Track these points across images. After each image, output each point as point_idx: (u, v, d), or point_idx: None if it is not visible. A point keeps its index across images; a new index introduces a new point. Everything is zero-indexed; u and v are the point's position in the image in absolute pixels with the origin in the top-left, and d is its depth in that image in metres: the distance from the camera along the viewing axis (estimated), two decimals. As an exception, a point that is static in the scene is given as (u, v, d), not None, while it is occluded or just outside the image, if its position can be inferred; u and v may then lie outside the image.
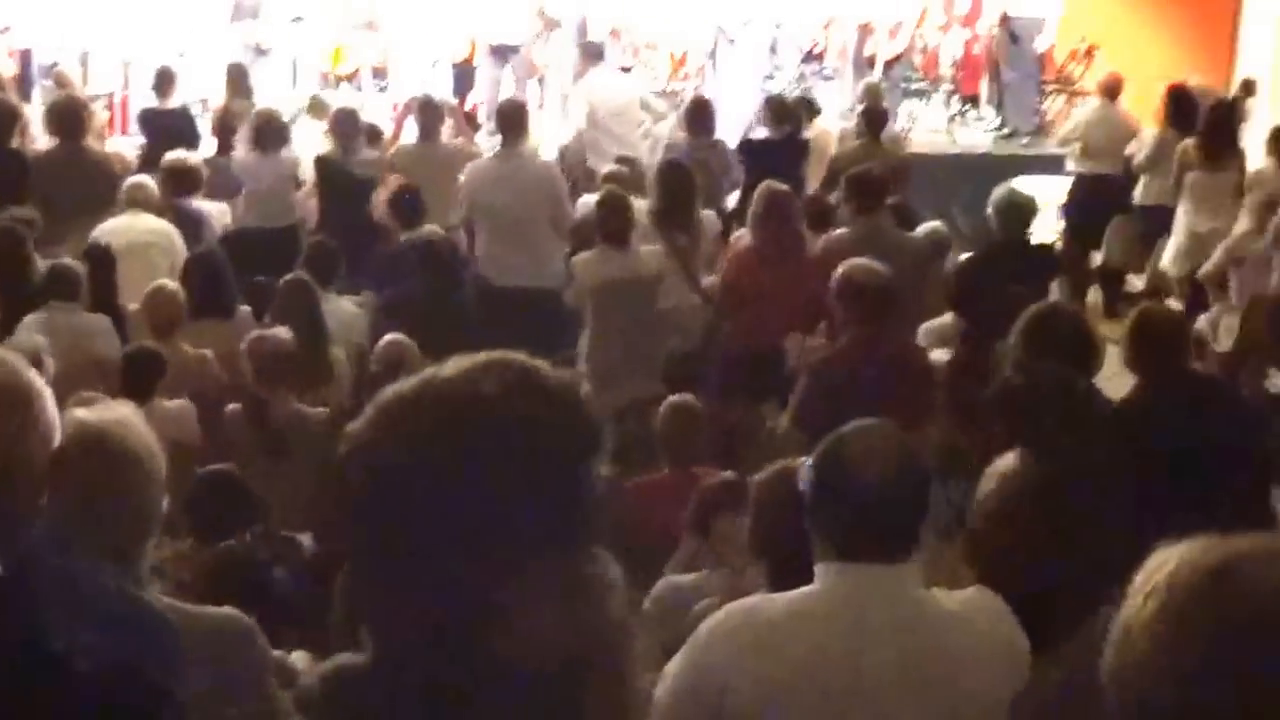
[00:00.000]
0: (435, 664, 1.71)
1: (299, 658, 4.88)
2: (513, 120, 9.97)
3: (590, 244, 8.94)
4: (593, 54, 13.65)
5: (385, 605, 1.76)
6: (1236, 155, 11.59)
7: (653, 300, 8.63)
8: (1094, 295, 13.02)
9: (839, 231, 9.14)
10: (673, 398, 6.89)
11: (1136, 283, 12.49)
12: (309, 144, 11.81)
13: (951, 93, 17.91)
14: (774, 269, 8.44)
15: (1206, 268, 10.19)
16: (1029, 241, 9.08)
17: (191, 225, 9.95)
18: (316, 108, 13.46)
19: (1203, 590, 1.75)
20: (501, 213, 9.60)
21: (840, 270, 7.05)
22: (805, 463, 3.30)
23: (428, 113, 11.69)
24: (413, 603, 1.71)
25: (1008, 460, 3.45)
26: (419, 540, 1.69)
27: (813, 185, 11.69)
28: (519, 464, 1.69)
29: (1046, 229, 13.36)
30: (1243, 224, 10.12)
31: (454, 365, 1.78)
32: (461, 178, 10.11)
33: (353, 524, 1.76)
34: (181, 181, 10.35)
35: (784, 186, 8.86)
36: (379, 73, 16.67)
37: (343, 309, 8.78)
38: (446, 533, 1.67)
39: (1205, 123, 11.54)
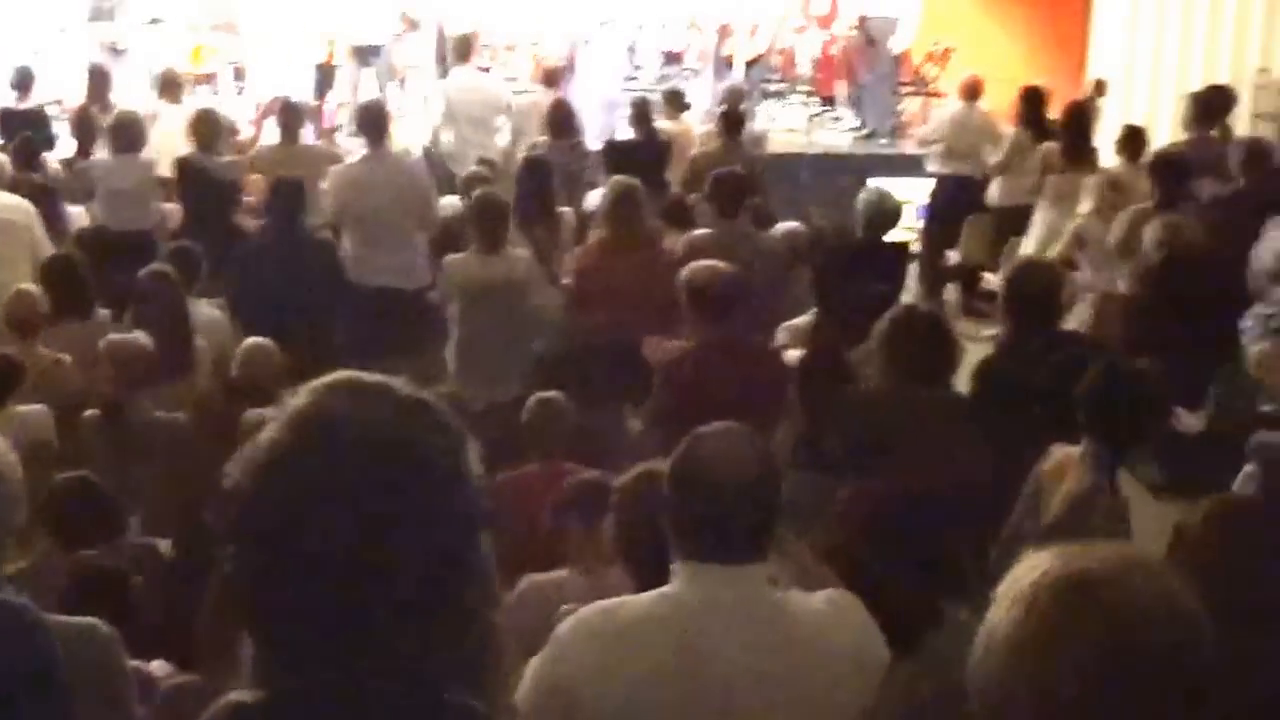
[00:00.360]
0: (329, 701, 1.71)
1: (157, 666, 4.84)
2: (375, 122, 9.91)
3: (454, 245, 8.92)
4: (461, 52, 13.60)
5: (279, 645, 1.75)
6: (1093, 154, 11.82)
7: (523, 302, 8.64)
8: (951, 294, 13.23)
9: (699, 232, 9.19)
10: (540, 393, 6.94)
11: (993, 281, 12.66)
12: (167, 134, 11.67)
13: (810, 94, 18.08)
14: (624, 260, 8.49)
15: (1057, 249, 10.39)
16: (884, 240, 9.18)
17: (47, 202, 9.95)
18: (168, 86, 13.12)
19: (1065, 600, 1.79)
20: (371, 215, 9.53)
21: (686, 272, 7.11)
22: (656, 466, 3.33)
23: (288, 114, 11.61)
24: (306, 641, 1.70)
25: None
26: (309, 581, 1.69)
27: (676, 184, 11.74)
28: (397, 493, 1.69)
29: (904, 229, 13.54)
30: (1085, 205, 10.34)
31: (315, 398, 1.78)
32: (323, 182, 10.03)
33: (241, 570, 1.75)
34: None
35: (633, 180, 8.90)
36: (238, 74, 16.50)
37: (203, 312, 8.69)
38: (336, 569, 1.67)
39: (1063, 123, 11.75)
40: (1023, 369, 6.31)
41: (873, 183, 10.52)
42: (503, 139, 12.63)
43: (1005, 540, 5.51)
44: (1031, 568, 1.84)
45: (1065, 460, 5.23)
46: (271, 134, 12.11)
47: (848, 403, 5.92)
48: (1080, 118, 11.91)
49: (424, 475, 1.72)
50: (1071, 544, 1.87)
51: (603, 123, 14.16)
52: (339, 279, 9.44)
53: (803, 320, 8.08)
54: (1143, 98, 15.85)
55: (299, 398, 1.77)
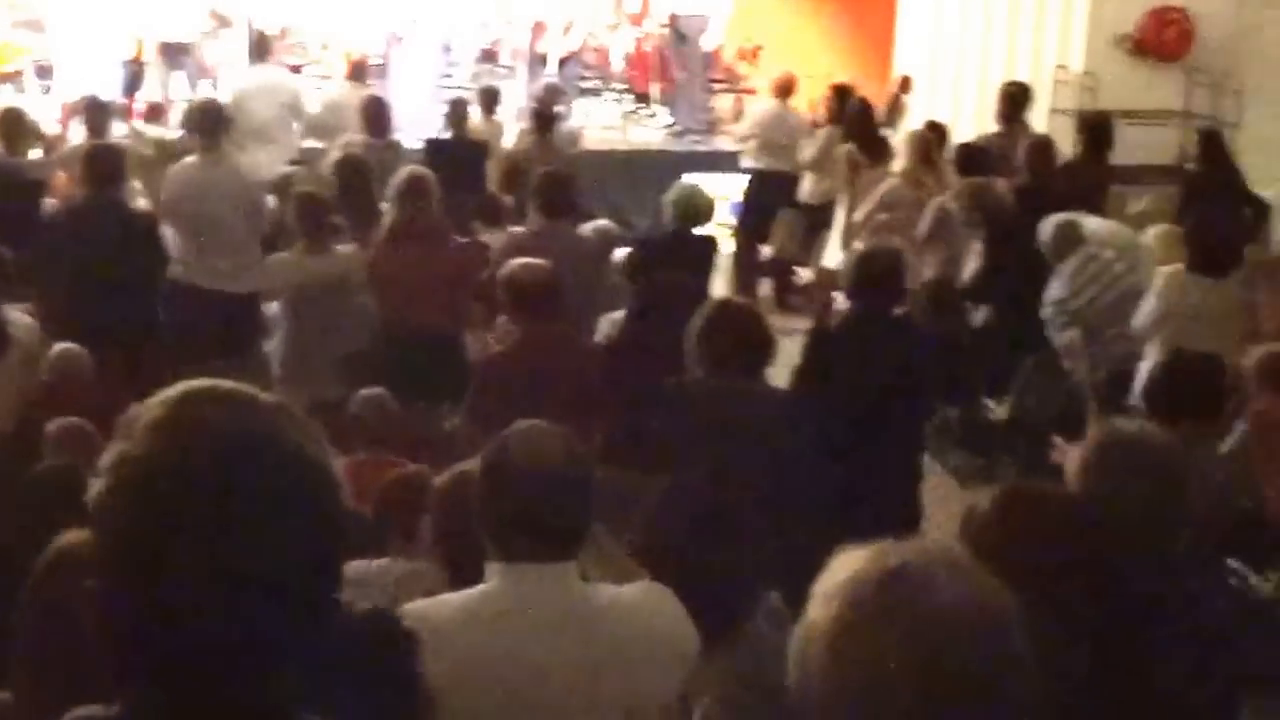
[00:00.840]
0: (188, 715, 1.68)
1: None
2: (209, 122, 9.72)
3: (277, 245, 8.85)
4: (260, 50, 13.43)
5: (138, 658, 1.71)
6: (887, 150, 12.04)
7: (349, 300, 8.60)
8: (764, 288, 13.40)
9: (517, 229, 9.21)
10: (366, 390, 6.96)
11: (805, 275, 12.84)
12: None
13: (624, 91, 18.16)
14: (414, 248, 8.49)
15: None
16: (695, 234, 9.27)
17: None
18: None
19: (880, 595, 1.81)
20: (203, 217, 9.36)
21: (504, 269, 7.15)
22: (473, 465, 3.34)
23: (95, 113, 11.39)
24: (168, 654, 1.67)
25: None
26: (179, 594, 1.66)
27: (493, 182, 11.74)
28: (267, 501, 1.67)
29: (719, 223, 13.67)
30: (867, 205, 10.56)
31: (172, 407, 1.75)
32: (136, 181, 9.85)
33: (104, 584, 1.71)
34: None
35: (424, 170, 8.89)
36: (44, 72, 16.13)
37: (10, 317, 8.48)
38: (206, 581, 1.64)
39: (852, 121, 11.94)
40: (861, 348, 6.60)
41: (687, 178, 10.58)
42: (297, 138, 12.52)
43: None
44: (844, 565, 1.86)
45: None
46: (79, 133, 11.87)
47: (663, 395, 5.98)
48: (867, 115, 12.13)
49: (293, 481, 1.70)
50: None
51: (418, 121, 14.09)
52: (159, 252, 9.20)
53: (620, 314, 8.14)
54: (946, 94, 16.15)
55: (153, 408, 1.74)
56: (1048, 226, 8.81)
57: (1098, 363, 8.65)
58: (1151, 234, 9.41)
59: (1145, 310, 7.93)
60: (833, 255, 11.63)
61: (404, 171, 8.76)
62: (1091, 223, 9.10)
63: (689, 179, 10.07)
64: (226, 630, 1.64)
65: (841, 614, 1.82)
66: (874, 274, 6.84)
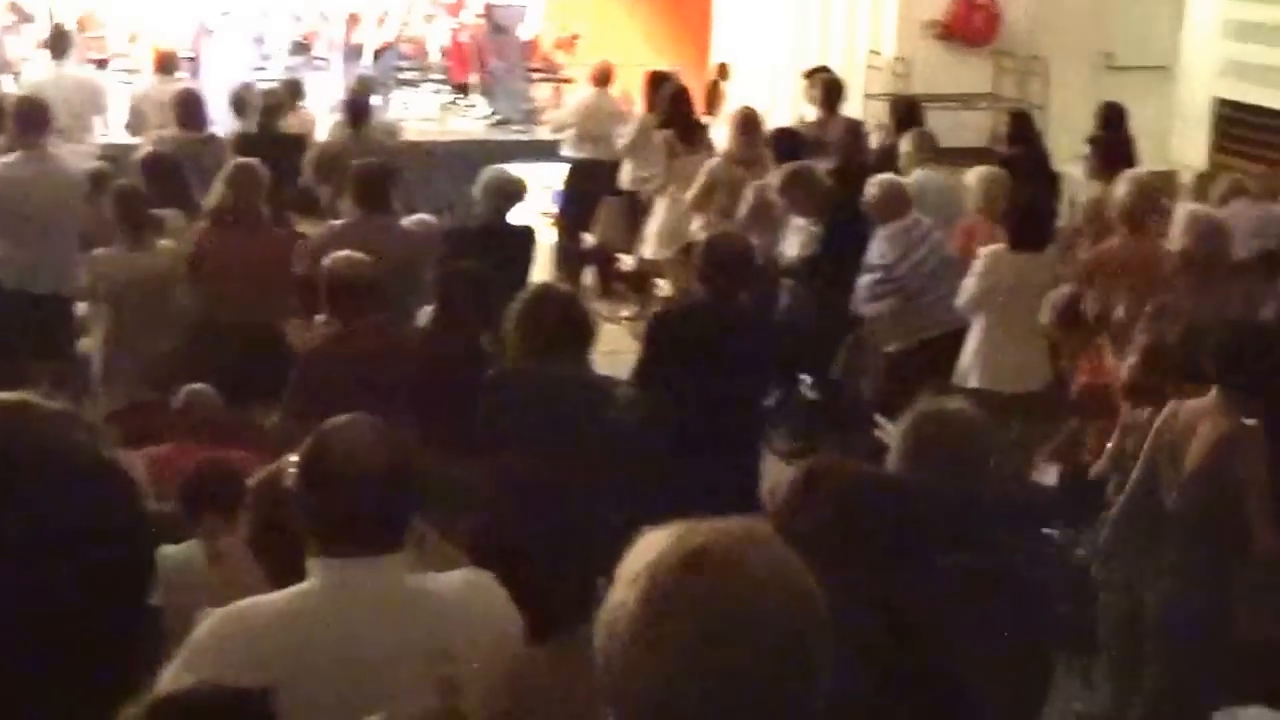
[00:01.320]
0: None
1: None
2: (32, 119, 9.44)
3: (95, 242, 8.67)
4: (57, 45, 13.09)
5: None
6: (704, 136, 12.12)
7: (169, 297, 8.45)
8: (589, 276, 13.40)
9: (335, 223, 9.10)
10: (189, 385, 6.89)
11: (629, 262, 12.86)
12: None
13: (442, 81, 18.06)
14: (235, 238, 8.38)
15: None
16: (509, 222, 9.26)
17: None
18: None
19: (680, 578, 1.81)
20: (24, 216, 9.09)
21: (324, 263, 7.08)
22: (290, 459, 3.29)
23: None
24: None
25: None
26: None
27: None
28: (61, 509, 1.62)
29: (541, 213, 13.65)
30: (694, 188, 10.63)
31: None
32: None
33: None
34: None
35: (251, 160, 8.79)
36: None
37: None
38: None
39: (668, 109, 11.98)
40: (707, 332, 6.71)
41: (506, 168, 10.53)
42: (98, 135, 12.26)
43: (1125, 510, 6.01)
44: (647, 547, 1.85)
45: (1192, 413, 5.78)
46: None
47: (485, 382, 5.95)
48: (682, 102, 12.19)
49: (66, 481, 1.67)
50: (698, 522, 1.89)
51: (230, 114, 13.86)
52: None
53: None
54: (763, 80, 16.28)
55: None
56: (872, 187, 8.89)
57: (913, 330, 8.74)
58: (971, 175, 9.55)
59: (968, 288, 8.06)
60: (653, 242, 11.68)
61: (233, 162, 8.65)
62: (915, 174, 9.22)
63: (500, 167, 10.03)
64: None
65: (644, 596, 1.81)
66: (724, 259, 6.89)
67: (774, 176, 10.00)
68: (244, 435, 7.06)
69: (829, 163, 10.26)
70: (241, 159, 8.72)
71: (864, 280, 8.83)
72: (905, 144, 10.27)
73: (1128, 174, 8.62)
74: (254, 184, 8.48)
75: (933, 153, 10.28)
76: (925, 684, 3.04)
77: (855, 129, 10.96)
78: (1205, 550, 5.84)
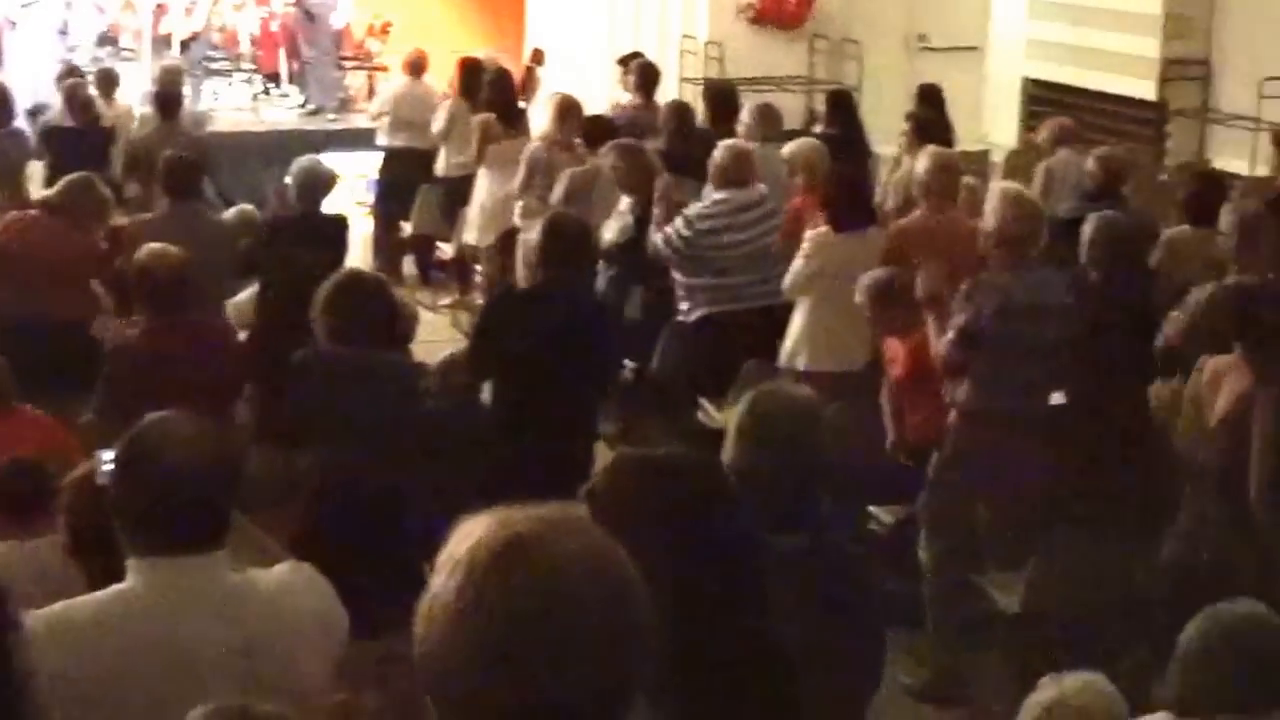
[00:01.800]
0: None
1: None
2: None
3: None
4: None
5: None
6: (525, 121, 12.09)
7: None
8: (408, 265, 13.32)
9: (146, 215, 8.94)
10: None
11: (447, 250, 12.79)
12: None
13: (254, 71, 17.81)
14: (37, 232, 8.22)
15: (515, 184, 10.58)
16: (322, 212, 9.15)
17: None
18: None
19: (497, 563, 1.79)
20: None
21: (135, 257, 6.95)
22: (102, 457, 3.21)
23: None
24: None
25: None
26: None
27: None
28: None
29: (357, 202, 13.53)
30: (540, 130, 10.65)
31: None
32: None
33: None
34: None
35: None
36: None
37: None
38: None
39: (490, 93, 11.94)
40: (552, 314, 6.70)
41: (320, 157, 10.41)
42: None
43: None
44: (465, 535, 1.84)
45: (1218, 369, 6.06)
46: None
47: (295, 369, 5.86)
48: (504, 87, 12.15)
49: None
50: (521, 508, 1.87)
51: (35, 107, 13.57)
52: None
53: (245, 295, 7.98)
54: (578, 65, 16.27)
55: None
56: (721, 151, 8.87)
57: (715, 301, 8.72)
58: (789, 147, 9.59)
59: (794, 271, 8.10)
60: (473, 229, 11.62)
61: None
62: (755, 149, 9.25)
63: (312, 156, 9.90)
64: None
65: (458, 583, 1.80)
66: (566, 241, 6.89)
67: (595, 160, 9.99)
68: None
69: (655, 145, 10.27)
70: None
71: (674, 225, 8.71)
72: (746, 117, 10.30)
73: (928, 149, 8.74)
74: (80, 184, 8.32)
75: (775, 128, 10.31)
76: (749, 665, 3.05)
77: (682, 111, 10.96)
78: (1227, 502, 5.99)
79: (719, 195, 8.72)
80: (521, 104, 12.52)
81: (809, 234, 8.20)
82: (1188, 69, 13.28)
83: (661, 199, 8.80)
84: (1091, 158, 9.48)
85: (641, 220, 9.15)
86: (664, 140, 10.35)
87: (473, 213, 11.64)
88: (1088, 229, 7.07)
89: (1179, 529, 6.23)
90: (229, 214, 9.63)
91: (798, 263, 8.08)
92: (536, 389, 6.66)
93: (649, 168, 9.42)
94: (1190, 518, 6.19)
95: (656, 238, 8.66)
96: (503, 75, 12.32)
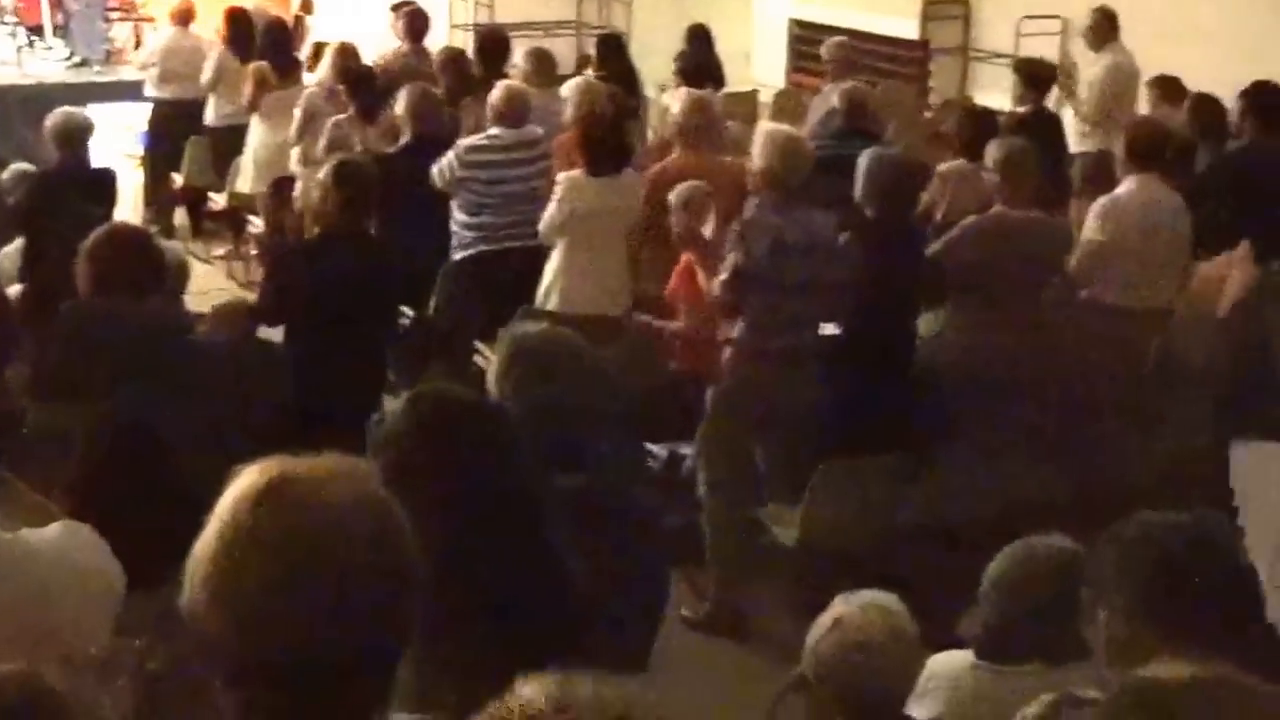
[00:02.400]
0: None
1: None
2: None
3: None
4: None
5: None
6: (298, 70, 11.92)
7: None
8: (180, 217, 13.05)
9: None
10: None
11: (220, 201, 12.55)
12: None
13: (17, 24, 17.24)
14: None
15: (292, 131, 10.43)
16: (88, 165, 8.93)
17: None
18: None
19: (259, 508, 1.79)
20: None
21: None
22: None
23: None
24: None
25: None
26: None
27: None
28: None
29: (126, 154, 13.20)
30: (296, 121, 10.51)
31: None
32: None
33: None
34: None
35: None
36: None
37: None
38: None
39: (263, 42, 11.75)
40: (346, 261, 6.72)
41: (87, 109, 10.13)
42: None
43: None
44: (235, 484, 1.83)
45: (1223, 264, 6.45)
46: None
47: (60, 320, 5.71)
48: (278, 36, 11.96)
49: None
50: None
51: None
52: None
53: (10, 249, 7.74)
54: (347, 13, 16.04)
55: None
56: (498, 91, 8.83)
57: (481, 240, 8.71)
58: (567, 86, 9.59)
59: (548, 214, 8.08)
60: (246, 178, 11.42)
61: None
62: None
63: (66, 109, 9.65)
64: None
65: (221, 531, 1.79)
66: (357, 187, 6.86)
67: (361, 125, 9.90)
68: None
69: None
70: None
71: (447, 157, 8.67)
72: (520, 61, 10.26)
73: (682, 91, 8.80)
74: None
75: (549, 73, 10.28)
76: (533, 605, 3.06)
77: (456, 56, 10.91)
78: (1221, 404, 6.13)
79: (493, 131, 8.71)
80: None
81: (560, 176, 8.21)
82: (949, 8, 13.55)
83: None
84: (838, 93, 9.63)
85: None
86: (442, 88, 10.27)
87: (246, 162, 11.46)
88: (862, 165, 7.16)
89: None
90: (5, 174, 9.32)
91: (551, 206, 8.08)
92: (326, 337, 6.60)
93: (435, 112, 9.37)
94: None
95: (433, 170, 8.63)
96: (277, 24, 12.12)
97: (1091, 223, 7.65)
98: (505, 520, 3.11)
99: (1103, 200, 7.73)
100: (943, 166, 8.55)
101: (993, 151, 7.44)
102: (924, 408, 6.91)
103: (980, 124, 8.79)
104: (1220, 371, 6.55)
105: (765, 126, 7.32)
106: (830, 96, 10.08)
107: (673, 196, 7.59)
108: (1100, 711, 2.33)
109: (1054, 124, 10.08)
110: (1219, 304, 6.63)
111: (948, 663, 4.09)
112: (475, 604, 2.94)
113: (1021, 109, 10.14)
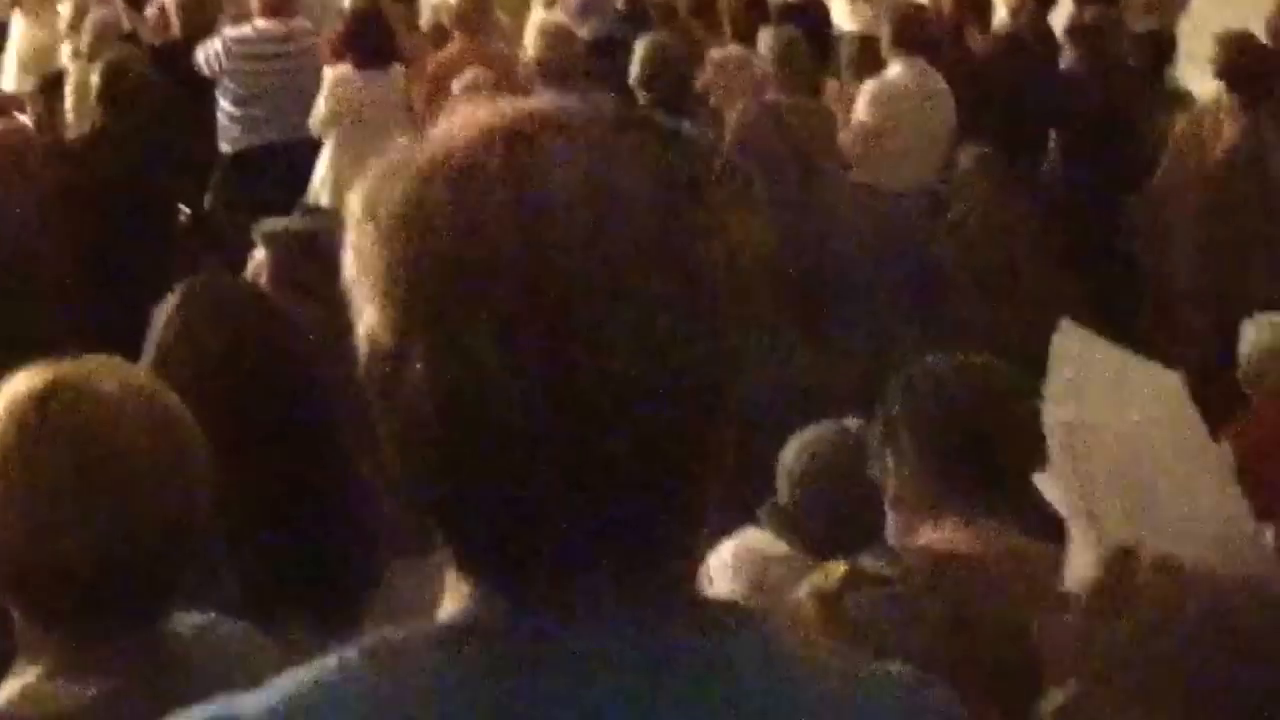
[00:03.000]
0: None
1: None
2: None
3: None
4: None
5: None
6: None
7: None
8: None
9: None
10: None
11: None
12: None
13: None
14: None
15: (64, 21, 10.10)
16: None
17: None
18: None
19: (27, 416, 1.74)
20: None
21: None
22: None
23: None
24: None
25: None
26: None
27: None
28: None
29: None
30: None
31: None
32: None
33: None
34: None
35: None
36: None
37: None
38: None
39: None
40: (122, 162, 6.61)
41: None
42: None
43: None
44: (6, 391, 1.78)
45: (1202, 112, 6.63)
46: None
47: None
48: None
49: None
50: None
51: None
52: None
53: None
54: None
55: None
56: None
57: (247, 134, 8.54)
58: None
59: (316, 110, 7.94)
60: (11, 74, 11.01)
61: None
62: None
63: None
64: None
65: (5, 433, 1.74)
66: (125, 86, 6.80)
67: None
68: None
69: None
70: None
71: (214, 44, 8.47)
72: None
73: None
74: None
75: None
76: (325, 498, 3.03)
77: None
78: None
79: (259, 23, 8.52)
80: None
81: (328, 69, 8.07)
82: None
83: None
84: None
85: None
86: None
87: (8, 60, 11.02)
88: (638, 51, 7.12)
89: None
90: None
91: (319, 100, 7.94)
92: (103, 237, 6.42)
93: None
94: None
95: (198, 57, 8.41)
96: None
97: (861, 105, 7.72)
98: (283, 418, 3.06)
99: (871, 83, 7.81)
100: (716, 53, 8.54)
101: (765, 39, 7.45)
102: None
103: (752, 7, 8.81)
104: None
105: (536, 17, 7.23)
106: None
107: (456, 84, 7.48)
108: (892, 594, 2.38)
109: (820, 7, 10.14)
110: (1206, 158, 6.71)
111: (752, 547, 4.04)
112: (265, 501, 2.89)
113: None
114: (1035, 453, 2.54)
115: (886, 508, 2.78)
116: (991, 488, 2.67)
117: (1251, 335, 5.38)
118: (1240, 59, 6.90)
